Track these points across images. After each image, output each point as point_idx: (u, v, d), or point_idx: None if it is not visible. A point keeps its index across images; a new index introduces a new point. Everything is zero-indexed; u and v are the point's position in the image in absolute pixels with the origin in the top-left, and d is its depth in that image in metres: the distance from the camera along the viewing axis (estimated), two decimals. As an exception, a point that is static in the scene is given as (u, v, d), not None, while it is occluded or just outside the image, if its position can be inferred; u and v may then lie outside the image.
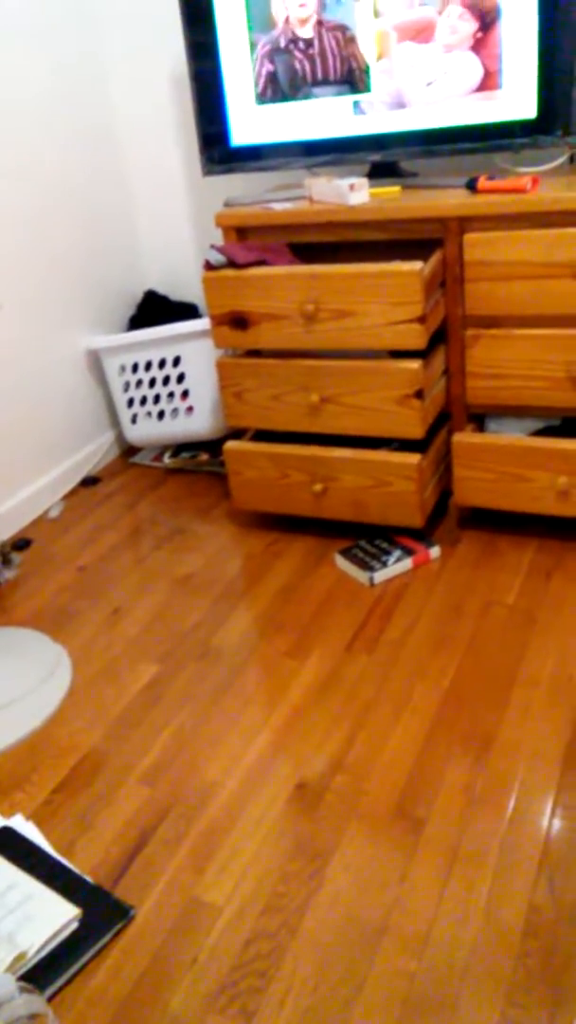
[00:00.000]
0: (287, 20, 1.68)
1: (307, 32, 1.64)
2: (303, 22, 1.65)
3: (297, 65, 1.72)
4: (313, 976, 1.08)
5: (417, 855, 1.23)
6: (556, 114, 1.77)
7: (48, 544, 2.21)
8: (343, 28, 1.72)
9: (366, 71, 1.75)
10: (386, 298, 1.74)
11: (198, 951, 1.13)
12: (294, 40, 1.68)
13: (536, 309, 1.74)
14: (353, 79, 1.79)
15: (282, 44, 1.68)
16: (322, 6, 1.65)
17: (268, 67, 1.71)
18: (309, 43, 1.66)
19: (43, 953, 1.13)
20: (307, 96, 1.85)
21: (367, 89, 1.81)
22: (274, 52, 1.70)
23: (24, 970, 1.11)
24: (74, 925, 1.16)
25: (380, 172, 2.03)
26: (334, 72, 1.77)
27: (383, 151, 1.94)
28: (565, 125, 1.76)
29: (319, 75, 1.78)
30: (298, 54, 1.71)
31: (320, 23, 1.69)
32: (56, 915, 1.16)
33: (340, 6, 1.65)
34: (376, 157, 1.95)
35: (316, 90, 1.81)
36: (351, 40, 1.69)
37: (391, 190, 1.92)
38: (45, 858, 1.27)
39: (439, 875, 1.19)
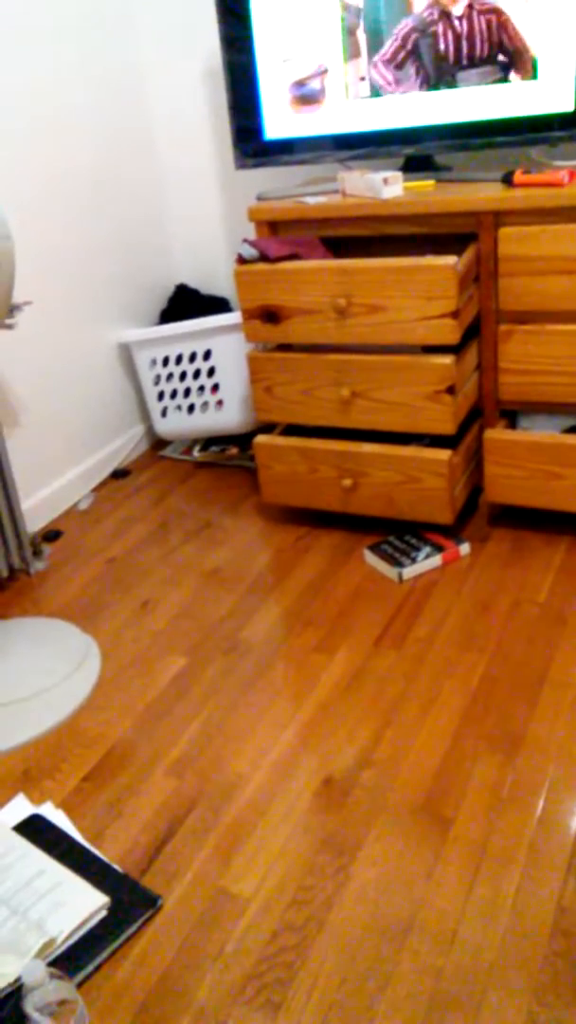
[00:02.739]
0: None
1: (458, 10, 1.51)
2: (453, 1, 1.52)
3: (442, 47, 1.60)
4: (339, 970, 1.08)
5: (444, 853, 1.22)
6: (594, 107, 1.74)
7: (78, 536, 2.23)
8: (497, 10, 1.62)
9: (533, 60, 1.65)
10: (419, 293, 1.73)
11: (225, 942, 1.14)
12: (442, 18, 1.54)
13: (571, 305, 1.72)
14: (510, 63, 1.69)
15: (427, 24, 1.54)
16: None
17: (403, 52, 1.58)
18: (458, 23, 1.52)
19: (72, 940, 1.14)
20: (449, 84, 1.77)
21: (533, 76, 1.73)
22: (417, 34, 1.56)
23: (53, 957, 1.12)
24: (103, 913, 1.17)
25: (414, 166, 2.02)
26: (480, 56, 1.66)
27: (417, 144, 1.92)
28: (603, 118, 1.74)
29: (464, 60, 1.68)
30: (447, 35, 1.57)
31: (471, 4, 1.57)
32: (85, 903, 1.18)
33: None
34: (410, 151, 1.94)
35: (461, 75, 1.72)
36: (506, 22, 1.57)
37: (425, 184, 1.91)
38: (74, 846, 1.29)
39: (467, 873, 1.19)
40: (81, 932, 1.15)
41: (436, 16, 1.73)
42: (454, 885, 1.17)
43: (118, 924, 1.16)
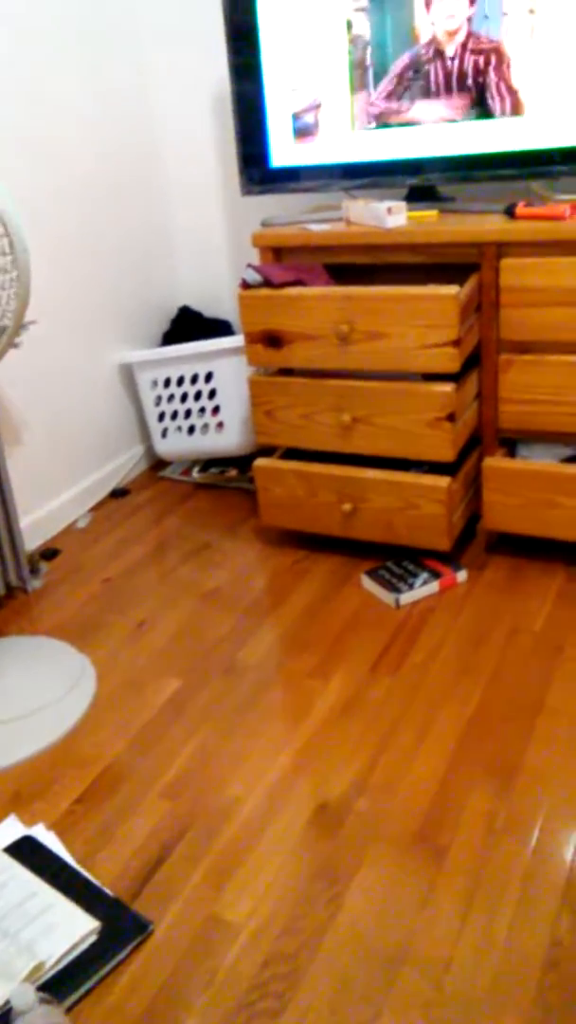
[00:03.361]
0: (433, 36, 1.59)
1: (451, 49, 1.55)
2: (451, 35, 1.56)
3: (432, 84, 1.64)
4: (331, 1000, 1.07)
5: (439, 882, 1.22)
6: (596, 143, 1.77)
7: (76, 555, 2.23)
8: (495, 48, 1.68)
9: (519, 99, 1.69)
10: (421, 321, 1.75)
11: (216, 969, 1.13)
12: (437, 55, 1.58)
13: (571, 336, 1.74)
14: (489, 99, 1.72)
15: (424, 59, 1.59)
16: (471, 21, 1.56)
17: (399, 85, 1.61)
18: (451, 59, 1.56)
19: (62, 964, 1.13)
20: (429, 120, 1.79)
21: (518, 113, 1.76)
22: (412, 67, 1.60)
23: (43, 980, 1.11)
24: (93, 938, 1.16)
25: (418, 196, 2.04)
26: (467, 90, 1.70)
27: (421, 175, 1.95)
28: (605, 154, 1.76)
29: (452, 94, 1.71)
30: (437, 70, 1.61)
31: (467, 40, 1.60)
32: (76, 927, 1.17)
33: (488, 21, 1.55)
34: (414, 181, 1.97)
35: (446, 109, 1.74)
36: (501, 60, 1.61)
37: (428, 214, 1.93)
38: (65, 868, 1.28)
39: (460, 904, 1.18)
40: (71, 956, 1.14)
41: (431, 54, 1.77)
42: (447, 915, 1.17)
43: (108, 949, 1.15)
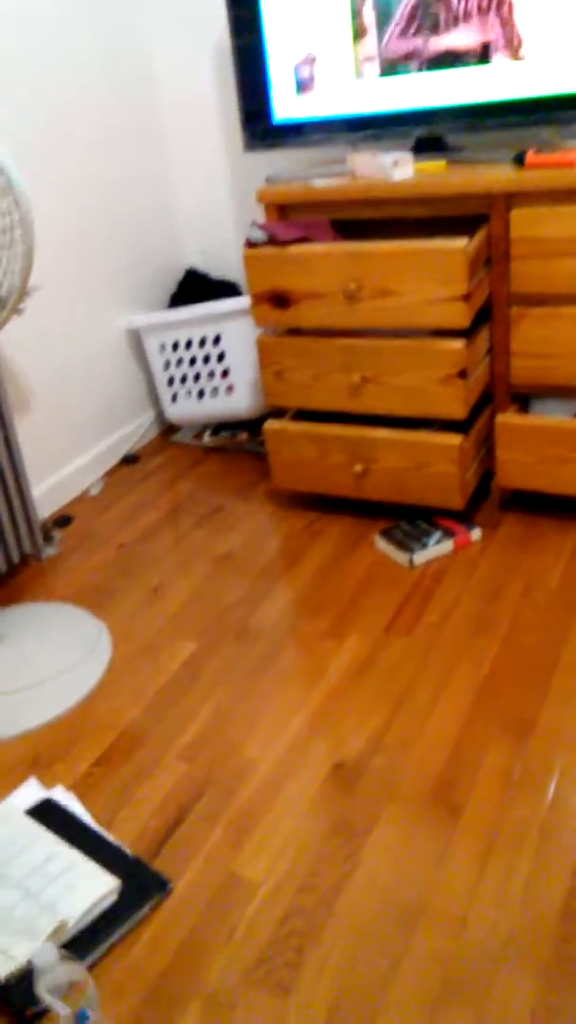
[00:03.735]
0: None
1: None
2: None
3: (441, 20, 1.54)
4: (349, 954, 1.09)
5: (455, 838, 1.22)
6: (608, 85, 1.71)
7: (89, 521, 2.24)
8: None
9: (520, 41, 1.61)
10: (429, 276, 1.72)
11: (235, 926, 1.14)
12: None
13: (584, 287, 1.70)
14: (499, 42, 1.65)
15: (428, 3, 1.48)
16: None
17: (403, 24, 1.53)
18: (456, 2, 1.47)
19: (84, 923, 1.15)
20: (433, 66, 1.73)
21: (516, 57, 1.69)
22: (415, 12, 1.51)
23: (65, 939, 1.13)
24: (114, 896, 1.18)
25: (425, 147, 1.99)
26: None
27: (428, 126, 1.90)
28: (618, 97, 1.71)
29: (455, 39, 1.63)
30: (442, 13, 1.52)
31: None
32: (96, 886, 1.18)
33: None
34: (420, 132, 1.92)
35: (451, 54, 1.67)
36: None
37: (436, 165, 1.89)
38: (85, 830, 1.29)
39: (477, 859, 1.19)
40: (92, 915, 1.16)
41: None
42: (464, 870, 1.17)
43: (129, 907, 1.17)
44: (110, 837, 1.28)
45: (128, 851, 1.26)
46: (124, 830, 1.31)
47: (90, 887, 1.19)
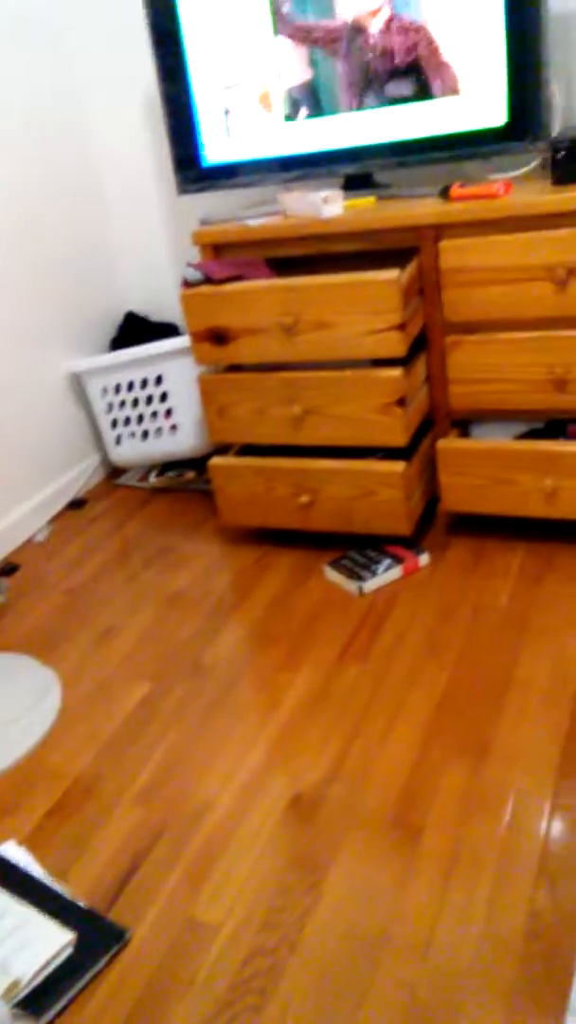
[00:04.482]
0: (354, 17, 1.56)
1: (374, 31, 1.51)
2: (372, 14, 1.52)
3: (360, 64, 1.61)
4: (313, 991, 1.06)
5: (415, 864, 1.21)
6: (526, 121, 1.78)
7: (36, 568, 2.20)
8: (418, 30, 1.65)
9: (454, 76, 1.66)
10: (364, 308, 1.75)
11: (195, 972, 1.11)
12: (361, 40, 1.55)
13: (514, 313, 1.74)
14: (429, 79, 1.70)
15: (348, 45, 1.56)
16: (393, 3, 1.54)
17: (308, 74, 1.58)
18: (374, 43, 1.52)
19: (38, 980, 1.10)
20: (358, 107, 1.80)
21: (454, 92, 1.75)
22: (337, 55, 1.57)
23: (19, 998, 1.08)
24: (69, 950, 1.14)
25: (354, 184, 2.04)
26: (397, 72, 1.67)
27: (356, 163, 1.95)
28: (535, 131, 1.78)
29: (382, 75, 1.70)
30: (362, 55, 1.58)
31: (389, 21, 1.56)
32: (51, 941, 1.14)
33: (409, 6, 1.52)
34: (349, 169, 1.96)
35: (374, 95, 1.74)
36: (427, 40, 1.58)
37: (366, 201, 1.93)
38: (38, 884, 1.25)
39: (438, 883, 1.17)
40: (47, 971, 1.11)
41: (356, 39, 1.77)
42: (426, 895, 1.16)
43: (85, 960, 1.13)
44: (64, 890, 1.24)
45: (83, 903, 1.21)
46: (79, 881, 1.27)
47: (44, 943, 1.14)
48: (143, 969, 1.12)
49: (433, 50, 1.78)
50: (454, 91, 1.80)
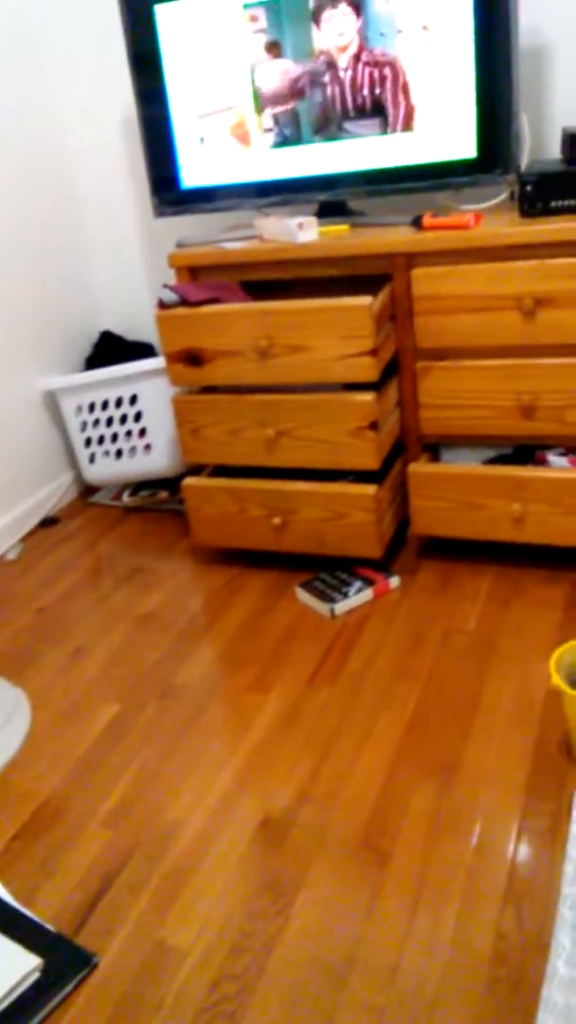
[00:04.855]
0: (326, 50, 1.63)
1: (344, 65, 1.58)
2: (342, 51, 1.59)
3: (328, 97, 1.67)
4: (281, 1015, 1.06)
5: (384, 887, 1.22)
6: (496, 153, 1.83)
7: (6, 586, 2.19)
8: (390, 63, 1.71)
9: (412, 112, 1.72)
10: (338, 332, 1.77)
11: (163, 996, 1.10)
12: (333, 73, 1.63)
13: (483, 340, 1.78)
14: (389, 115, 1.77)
15: (323, 77, 1.63)
16: (364, 38, 1.60)
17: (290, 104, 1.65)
18: (348, 76, 1.59)
19: (4, 1005, 1.09)
20: (332, 137, 1.86)
21: (409, 128, 1.80)
22: (313, 86, 1.64)
23: (-17, 1025, 1.07)
24: (35, 975, 1.13)
25: (329, 211, 2.07)
26: (363, 107, 1.76)
27: (331, 191, 1.98)
28: (504, 164, 1.82)
29: (349, 110, 1.79)
30: (338, 87, 1.67)
31: (359, 55, 1.65)
32: (16, 966, 1.13)
33: (383, 38, 1.59)
34: (324, 197, 2.00)
35: (347, 126, 1.80)
36: (396, 75, 1.65)
37: (339, 228, 1.97)
38: (3, 907, 1.24)
39: (406, 906, 1.18)
40: (13, 996, 1.10)
41: (329, 71, 1.82)
42: (394, 918, 1.17)
43: (52, 986, 1.12)
44: (31, 914, 1.23)
45: (50, 927, 1.21)
46: (46, 905, 1.26)
47: (10, 968, 1.13)
48: (111, 993, 1.12)
49: (404, 83, 1.82)
50: (425, 123, 1.84)
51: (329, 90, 1.89)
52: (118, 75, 2.38)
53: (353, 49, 1.80)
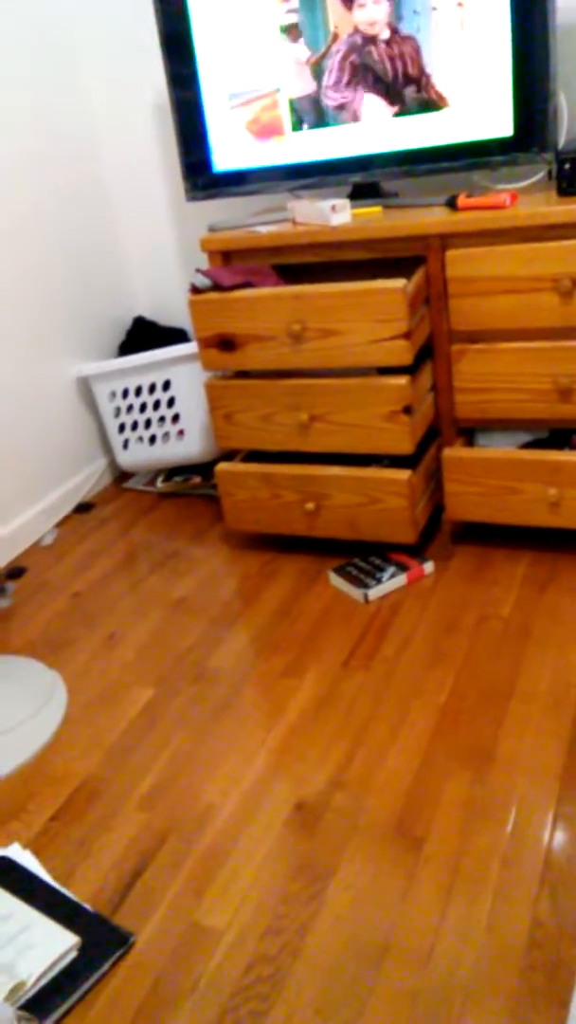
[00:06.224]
0: (361, 31, 1.61)
1: (380, 43, 1.55)
2: (375, 30, 1.56)
3: (379, 69, 1.64)
4: (316, 999, 1.07)
5: (418, 873, 1.22)
6: (532, 131, 1.79)
7: (42, 572, 2.21)
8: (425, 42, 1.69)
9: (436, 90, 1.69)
10: (371, 316, 1.76)
11: (199, 976, 1.12)
12: (370, 43, 1.60)
13: (519, 323, 1.75)
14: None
15: (357, 55, 1.60)
16: (398, 16, 1.58)
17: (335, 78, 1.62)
18: (382, 53, 1.57)
19: (43, 982, 1.11)
20: (365, 117, 1.84)
21: (436, 108, 1.78)
22: (346, 65, 1.61)
23: (24, 1000, 1.09)
24: (73, 953, 1.15)
25: (362, 193, 2.05)
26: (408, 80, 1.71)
27: (364, 172, 1.96)
28: (541, 142, 1.79)
29: (400, 81, 1.77)
30: (370, 65, 1.63)
31: (392, 33, 1.62)
32: (55, 944, 1.15)
33: (417, 16, 1.56)
34: (357, 178, 1.98)
35: (381, 105, 1.78)
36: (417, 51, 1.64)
37: (373, 210, 1.95)
38: (43, 887, 1.26)
39: (440, 892, 1.18)
40: (52, 974, 1.12)
41: (362, 41, 1.79)
42: (428, 904, 1.17)
43: (89, 964, 1.14)
44: (69, 893, 1.25)
45: (88, 906, 1.23)
46: (84, 885, 1.28)
47: (49, 945, 1.15)
48: (147, 973, 1.13)
49: (438, 61, 1.79)
50: (460, 102, 1.81)
51: (363, 69, 1.86)
52: (149, 58, 2.37)
53: (386, 27, 1.77)
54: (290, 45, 1.88)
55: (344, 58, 1.86)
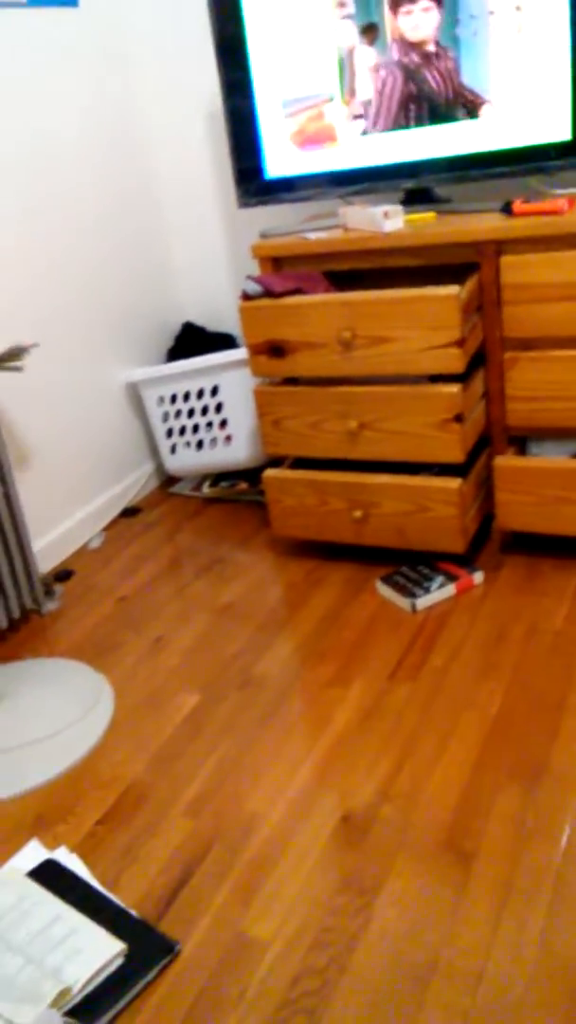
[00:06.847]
0: (401, 39, 1.60)
1: (431, 46, 1.55)
2: (428, 33, 1.56)
3: (430, 82, 1.63)
4: (363, 1015, 1.05)
5: (468, 889, 1.19)
6: (590, 136, 1.76)
7: (89, 575, 2.23)
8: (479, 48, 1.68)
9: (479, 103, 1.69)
10: (423, 323, 1.74)
11: (245, 987, 1.11)
12: (422, 58, 1.60)
13: (574, 331, 1.72)
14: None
15: (407, 60, 1.60)
16: (454, 20, 1.57)
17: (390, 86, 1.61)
18: (435, 59, 1.57)
19: (89, 989, 1.11)
20: (418, 123, 1.84)
21: (472, 116, 1.77)
22: (399, 71, 1.60)
23: (69, 1006, 1.10)
24: (120, 960, 1.15)
25: (414, 199, 2.04)
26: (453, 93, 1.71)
27: (416, 178, 1.94)
28: (600, 146, 1.75)
29: (449, 94, 1.75)
30: (425, 72, 1.62)
31: (448, 37, 1.61)
32: (102, 950, 1.15)
33: (475, 20, 1.55)
34: (409, 184, 1.96)
35: (434, 110, 1.77)
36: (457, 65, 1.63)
37: (426, 216, 1.93)
38: (90, 891, 1.26)
39: (491, 909, 1.16)
40: (98, 980, 1.12)
41: (412, 55, 1.77)
42: (479, 922, 1.14)
43: (135, 971, 1.13)
44: (115, 898, 1.25)
45: (134, 913, 1.22)
46: (129, 890, 1.28)
47: (95, 951, 1.15)
48: (193, 982, 1.12)
49: (494, 66, 1.77)
50: (516, 106, 1.79)
51: (416, 75, 1.85)
52: (202, 65, 2.38)
53: (441, 31, 1.76)
54: (366, 48, 1.86)
55: (392, 72, 1.84)
